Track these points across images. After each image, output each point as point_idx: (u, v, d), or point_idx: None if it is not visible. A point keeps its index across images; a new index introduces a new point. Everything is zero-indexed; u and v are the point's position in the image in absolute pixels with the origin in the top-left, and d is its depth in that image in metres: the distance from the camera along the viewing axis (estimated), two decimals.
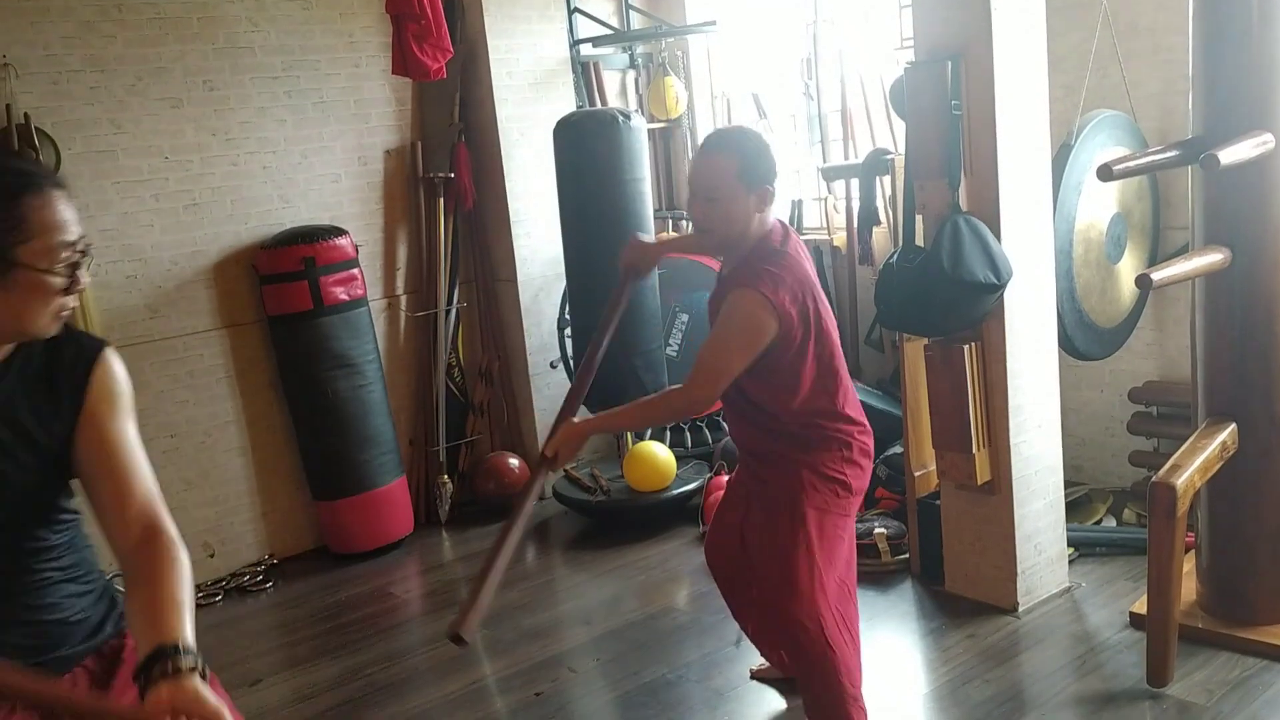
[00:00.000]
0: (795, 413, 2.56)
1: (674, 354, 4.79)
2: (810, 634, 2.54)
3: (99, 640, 1.75)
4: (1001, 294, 3.17)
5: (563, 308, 4.89)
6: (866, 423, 2.68)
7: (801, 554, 2.54)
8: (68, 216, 1.60)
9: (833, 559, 2.60)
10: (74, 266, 1.61)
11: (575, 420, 2.60)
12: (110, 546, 1.70)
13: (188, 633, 1.50)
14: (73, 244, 1.60)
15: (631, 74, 5.33)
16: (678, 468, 4.57)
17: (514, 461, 4.88)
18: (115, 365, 1.73)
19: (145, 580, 1.60)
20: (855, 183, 4.35)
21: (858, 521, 3.98)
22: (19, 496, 1.65)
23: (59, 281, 1.59)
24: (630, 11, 5.18)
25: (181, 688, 1.42)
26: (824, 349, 2.54)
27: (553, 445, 2.56)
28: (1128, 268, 3.65)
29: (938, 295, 3.12)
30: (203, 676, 1.46)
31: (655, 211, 4.83)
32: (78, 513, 1.78)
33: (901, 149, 3.99)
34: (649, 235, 2.58)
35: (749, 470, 2.75)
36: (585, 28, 5.04)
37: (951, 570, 3.56)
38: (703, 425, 4.96)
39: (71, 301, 1.64)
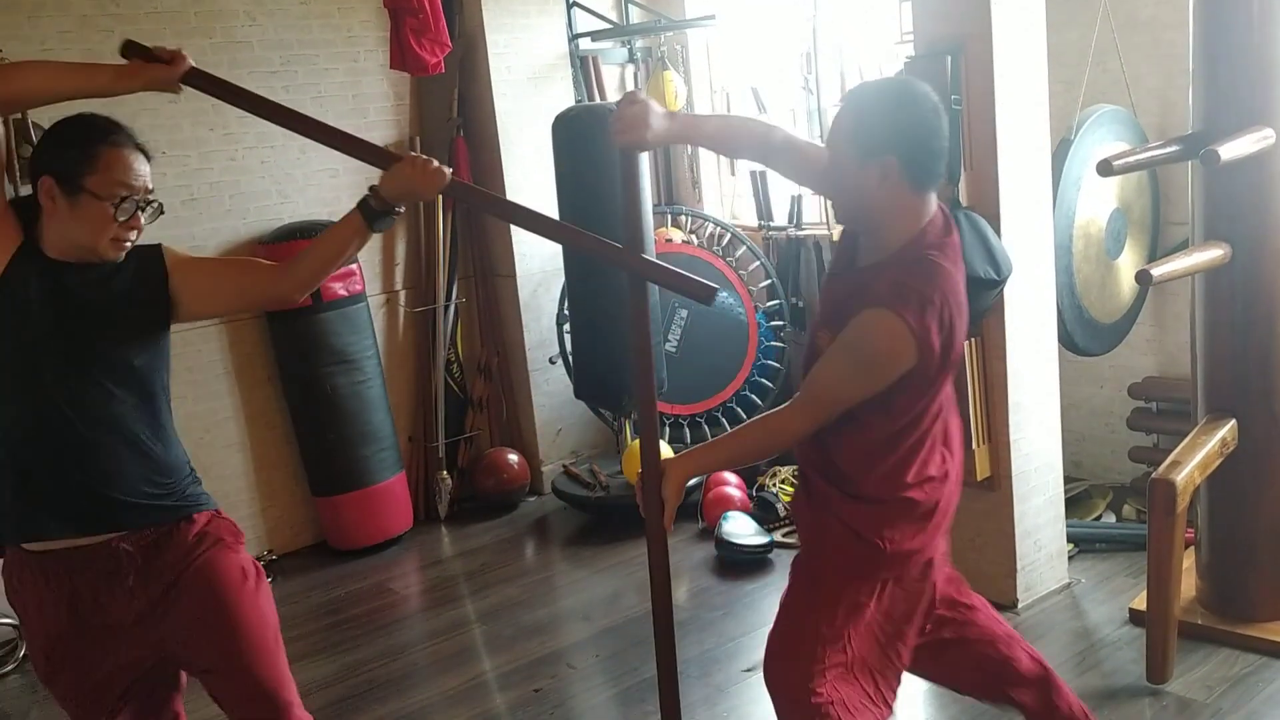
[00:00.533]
0: (869, 476, 2.06)
1: (673, 350, 4.79)
2: (795, 708, 2.09)
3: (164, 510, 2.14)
4: (1001, 290, 3.16)
5: (561, 303, 4.88)
6: (949, 468, 2.11)
7: (805, 615, 2.11)
8: (134, 168, 2.06)
9: (846, 633, 2.07)
10: (134, 208, 2.05)
11: (673, 461, 2.17)
12: (272, 300, 2.63)
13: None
14: (134, 189, 2.06)
15: (630, 68, 5.31)
16: None
17: (513, 457, 4.88)
18: (171, 249, 2.20)
19: (308, 249, 2.27)
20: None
21: None
22: (131, 369, 2.10)
23: (115, 213, 2.03)
24: (629, 5, 5.16)
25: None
26: (942, 390, 2.04)
27: (669, 498, 2.15)
28: (1127, 263, 3.65)
29: None
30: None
31: (654, 207, 4.82)
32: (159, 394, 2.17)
33: None
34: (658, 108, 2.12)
35: (798, 490, 2.25)
36: (584, 22, 5.03)
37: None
38: (702, 422, 4.96)
39: (130, 235, 2.08)
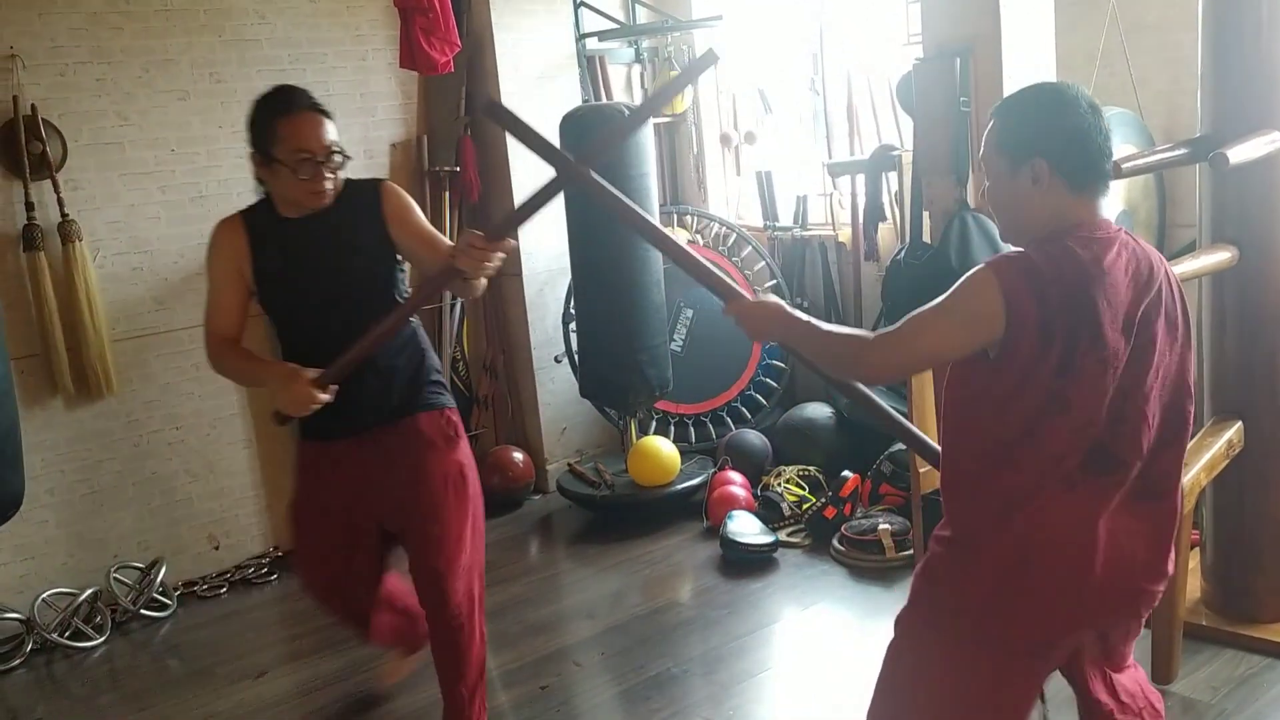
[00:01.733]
0: (969, 450, 1.89)
1: (679, 349, 4.80)
2: None
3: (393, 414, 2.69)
4: None
5: (567, 302, 4.89)
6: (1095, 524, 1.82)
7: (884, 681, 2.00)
8: (308, 134, 2.47)
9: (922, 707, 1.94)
10: (317, 165, 2.47)
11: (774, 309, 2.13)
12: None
13: None
14: (313, 150, 2.47)
15: (637, 68, 5.32)
16: (682, 463, 4.58)
17: (518, 455, 4.89)
18: (389, 186, 2.64)
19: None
20: (861, 179, 4.36)
21: (861, 518, 4.01)
22: (368, 284, 2.60)
23: (300, 173, 2.47)
24: (636, 5, 5.17)
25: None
26: (1069, 388, 1.78)
27: (743, 309, 2.16)
28: None
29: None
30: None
31: (660, 207, 4.83)
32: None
33: (907, 145, 4.00)
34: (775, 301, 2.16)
35: None
36: (591, 22, 5.04)
37: None
38: (706, 421, 4.97)
39: (321, 187, 2.50)
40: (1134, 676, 2.08)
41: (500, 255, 2.39)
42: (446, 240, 2.65)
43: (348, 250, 2.57)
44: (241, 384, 2.69)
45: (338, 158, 2.51)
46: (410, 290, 2.70)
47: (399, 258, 2.66)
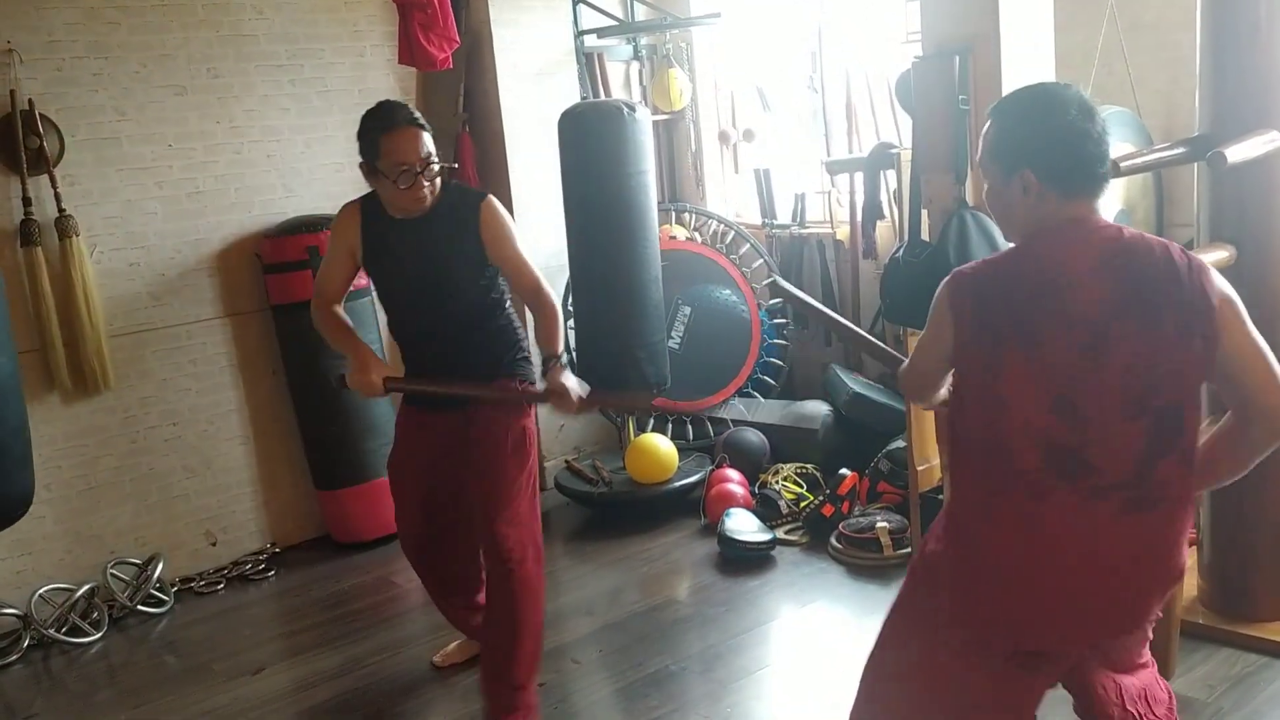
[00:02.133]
0: (951, 457, 1.99)
1: (676, 347, 4.80)
2: None
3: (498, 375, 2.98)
4: None
5: (565, 298, 4.88)
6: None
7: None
8: (407, 147, 2.72)
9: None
10: (416, 176, 2.72)
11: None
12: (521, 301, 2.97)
13: (560, 347, 2.88)
14: (410, 162, 2.72)
15: (635, 65, 5.32)
16: (680, 460, 4.58)
17: None
18: (490, 207, 2.86)
19: (540, 318, 2.91)
20: (860, 177, 4.35)
21: (859, 516, 4.01)
22: (460, 286, 2.88)
23: (401, 183, 2.73)
24: (634, 3, 5.17)
25: (558, 370, 2.84)
26: (1003, 387, 1.80)
27: None
28: None
29: None
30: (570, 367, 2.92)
31: (659, 204, 4.83)
32: (499, 296, 2.97)
33: (906, 143, 3.99)
34: None
35: None
36: (589, 19, 5.04)
37: None
38: (704, 419, 4.97)
39: (420, 194, 2.76)
40: (1143, 680, 2.01)
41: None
42: (532, 268, 2.90)
43: (443, 258, 2.84)
44: (330, 345, 3.01)
45: (435, 168, 2.76)
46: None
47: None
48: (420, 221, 2.83)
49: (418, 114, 2.79)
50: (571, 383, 2.84)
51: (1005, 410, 1.79)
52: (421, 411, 3.05)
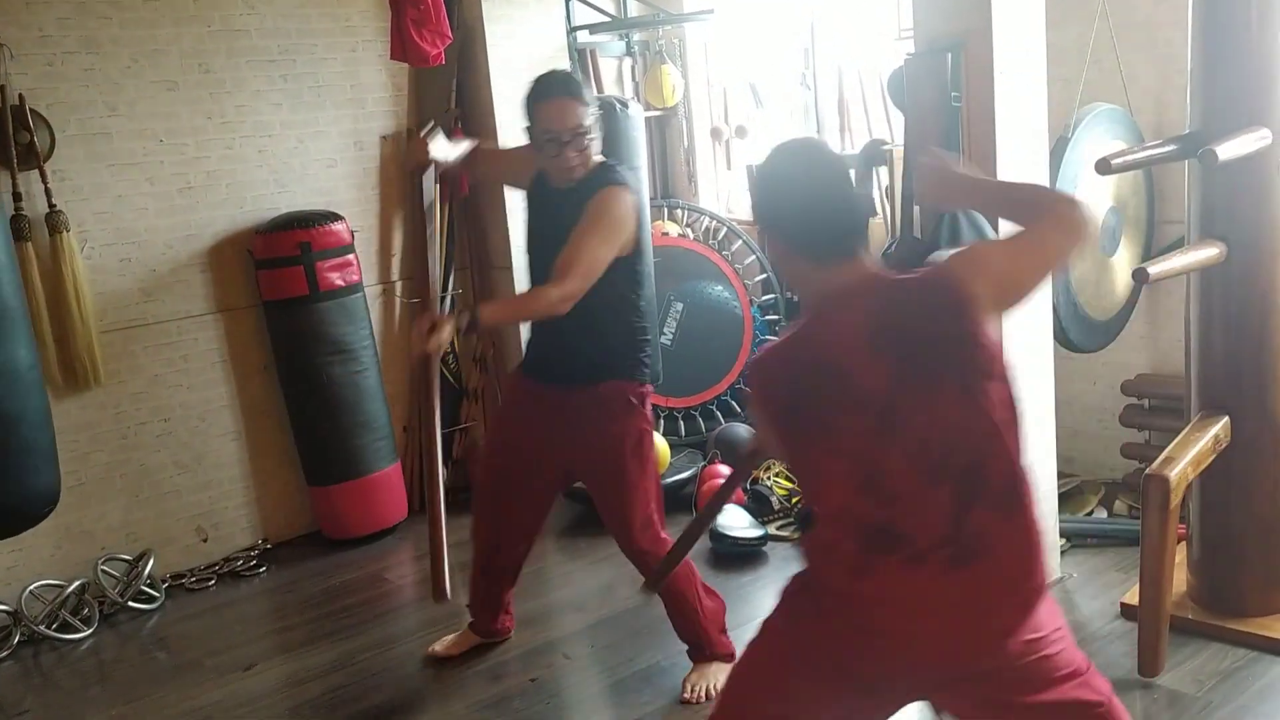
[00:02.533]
0: None
1: (668, 343, 4.80)
2: None
3: (595, 377, 2.97)
4: None
5: None
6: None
7: None
8: (554, 116, 2.78)
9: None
10: (562, 145, 2.78)
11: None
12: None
13: (493, 308, 3.26)
14: (558, 132, 2.78)
15: (628, 62, 5.32)
16: (671, 456, 4.58)
17: None
18: (605, 192, 2.81)
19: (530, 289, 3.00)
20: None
21: None
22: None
23: (548, 151, 2.82)
24: None
25: (460, 314, 2.81)
26: (799, 472, 2.02)
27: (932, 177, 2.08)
28: (1122, 260, 3.67)
29: None
30: (470, 326, 2.80)
31: (651, 200, 4.83)
32: (626, 292, 2.96)
33: (898, 140, 4.00)
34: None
35: None
36: (582, 14, 5.03)
37: None
38: (696, 414, 4.97)
39: (567, 163, 2.81)
40: (1064, 694, 1.90)
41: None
42: (579, 256, 2.76)
43: (564, 233, 2.82)
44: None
45: (584, 139, 2.80)
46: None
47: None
48: (568, 191, 2.87)
49: (574, 83, 2.85)
50: (446, 332, 2.77)
51: (825, 491, 1.82)
52: (537, 382, 3.06)
